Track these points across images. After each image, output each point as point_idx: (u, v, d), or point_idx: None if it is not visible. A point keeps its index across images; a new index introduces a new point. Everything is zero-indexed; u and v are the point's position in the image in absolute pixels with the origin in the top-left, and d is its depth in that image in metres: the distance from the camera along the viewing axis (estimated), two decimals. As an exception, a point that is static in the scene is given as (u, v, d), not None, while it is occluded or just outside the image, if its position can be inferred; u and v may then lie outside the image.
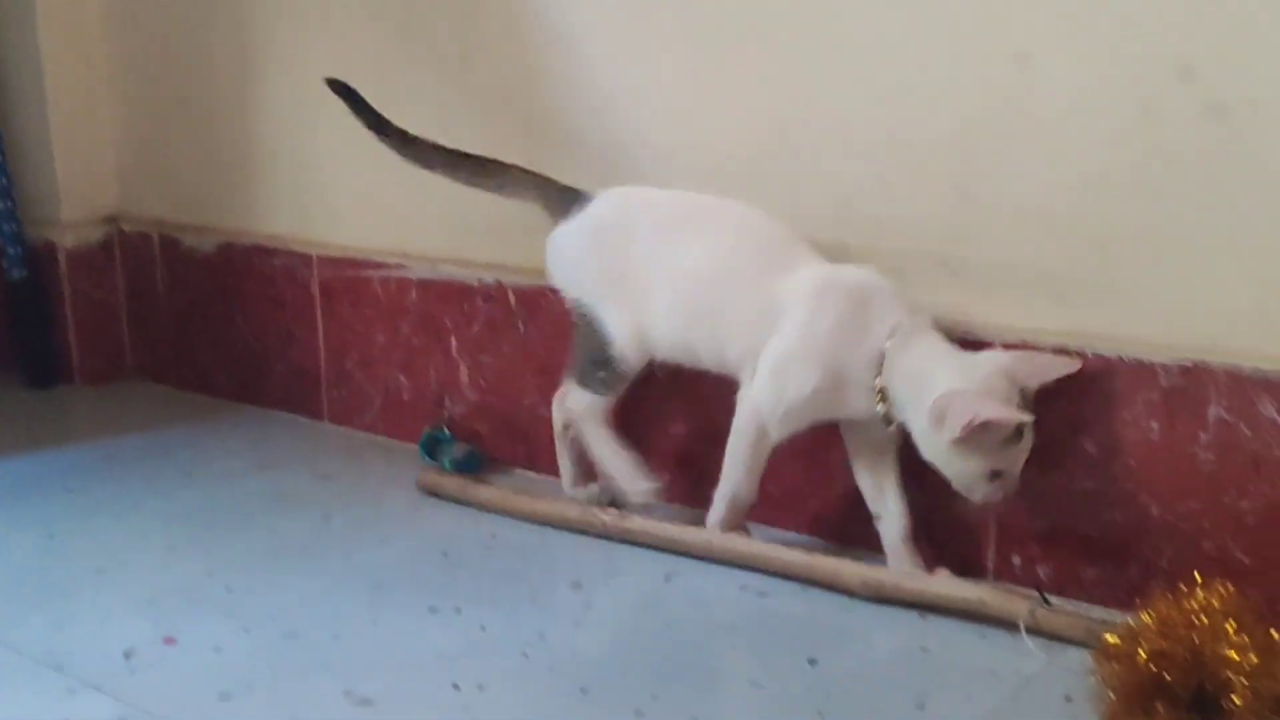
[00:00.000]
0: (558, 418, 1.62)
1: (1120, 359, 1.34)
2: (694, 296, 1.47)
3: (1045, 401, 1.32)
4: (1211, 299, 1.30)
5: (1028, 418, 1.28)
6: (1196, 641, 1.13)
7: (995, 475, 1.31)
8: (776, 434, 1.44)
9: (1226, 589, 1.17)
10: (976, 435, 1.28)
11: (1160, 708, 1.12)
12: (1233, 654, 1.11)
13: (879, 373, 1.36)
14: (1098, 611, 1.32)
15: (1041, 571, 1.40)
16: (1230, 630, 1.13)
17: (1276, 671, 1.12)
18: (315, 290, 1.99)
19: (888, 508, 1.44)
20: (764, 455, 1.45)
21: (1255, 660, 1.12)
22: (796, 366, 1.40)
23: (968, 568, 1.42)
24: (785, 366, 1.40)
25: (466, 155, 1.60)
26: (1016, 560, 1.43)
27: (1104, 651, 1.17)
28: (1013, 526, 1.42)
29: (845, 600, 1.39)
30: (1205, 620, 1.14)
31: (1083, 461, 1.36)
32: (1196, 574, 1.19)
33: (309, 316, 2.00)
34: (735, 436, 1.46)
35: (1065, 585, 1.39)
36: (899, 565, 1.43)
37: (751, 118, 1.56)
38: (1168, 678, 1.12)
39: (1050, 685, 1.21)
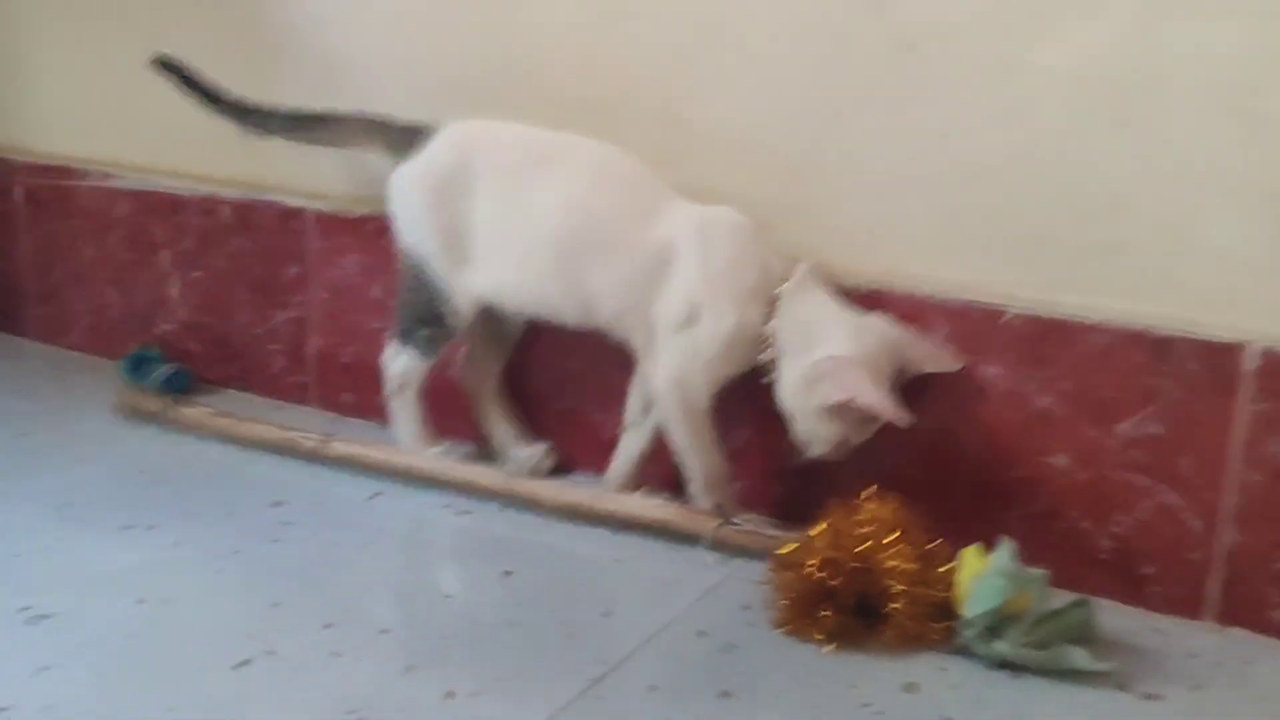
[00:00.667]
0: (390, 378, 1.51)
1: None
2: (551, 247, 1.37)
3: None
4: (894, 226, 1.35)
5: (905, 418, 1.24)
6: (861, 551, 1.19)
7: (843, 443, 1.30)
8: (704, 395, 1.34)
9: (895, 502, 1.23)
10: (846, 410, 1.26)
11: (826, 612, 1.17)
12: (893, 563, 1.17)
13: (770, 317, 1.31)
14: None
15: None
16: (891, 541, 1.19)
17: (933, 580, 1.19)
18: (19, 200, 1.89)
19: (645, 424, 1.43)
20: (705, 424, 1.35)
21: (914, 569, 1.18)
22: (707, 312, 1.31)
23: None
24: (694, 317, 1.32)
25: (304, 115, 1.51)
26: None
27: (777, 562, 1.22)
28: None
29: (544, 520, 1.40)
30: (871, 531, 1.20)
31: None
32: (868, 489, 1.26)
33: (11, 228, 1.90)
34: (668, 422, 1.36)
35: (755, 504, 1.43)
36: (623, 475, 1.44)
37: (473, 38, 1.54)
38: (834, 584, 1.17)
39: (730, 594, 1.26)
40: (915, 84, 1.33)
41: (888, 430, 1.27)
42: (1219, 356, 1.21)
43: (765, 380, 1.32)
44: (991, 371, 1.31)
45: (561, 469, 1.54)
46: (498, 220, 1.40)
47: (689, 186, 1.39)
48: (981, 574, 1.16)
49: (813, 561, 1.19)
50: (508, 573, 1.30)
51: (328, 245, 1.67)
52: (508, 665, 1.12)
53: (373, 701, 1.05)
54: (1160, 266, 1.25)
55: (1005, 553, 1.18)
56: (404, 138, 1.45)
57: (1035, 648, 1.14)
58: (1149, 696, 1.13)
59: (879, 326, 1.30)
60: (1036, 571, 1.17)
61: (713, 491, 1.38)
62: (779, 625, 1.19)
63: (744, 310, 1.31)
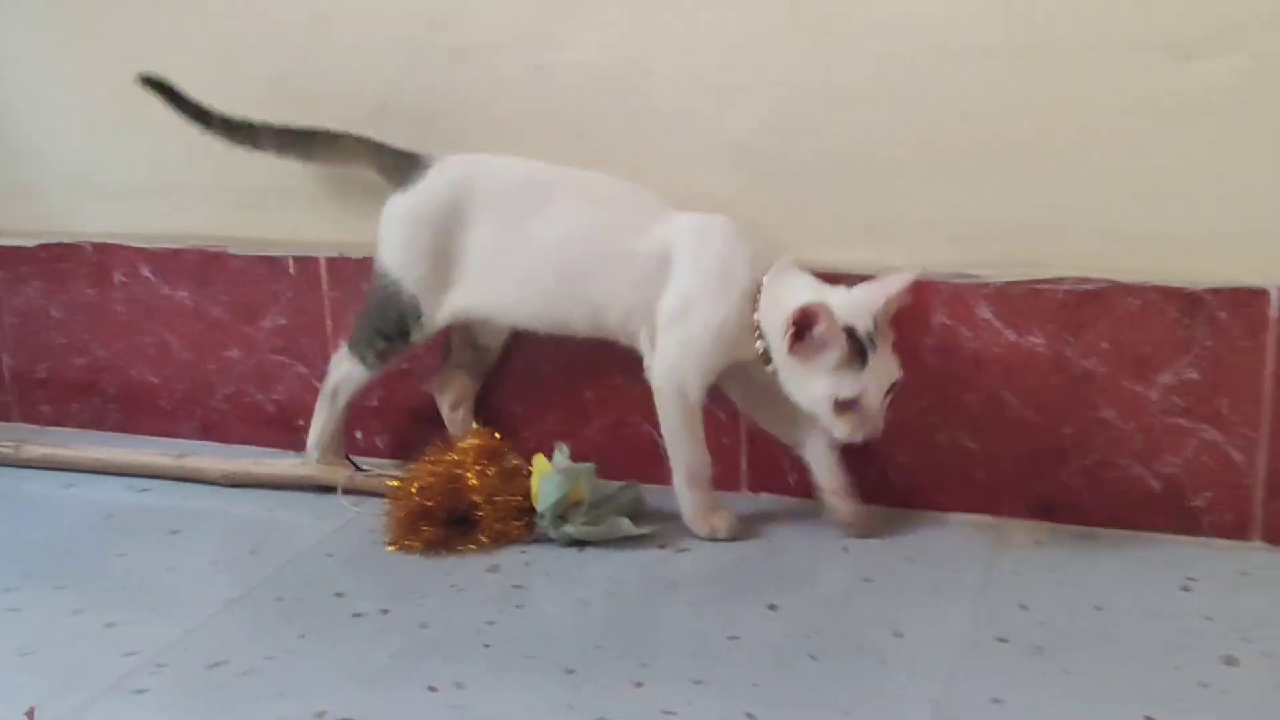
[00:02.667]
0: (329, 380, 1.60)
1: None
2: (558, 267, 1.45)
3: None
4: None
5: (826, 308, 1.30)
6: (453, 475, 1.47)
7: (844, 407, 1.33)
8: (696, 389, 1.41)
9: (485, 435, 1.52)
10: (808, 348, 1.32)
11: (426, 527, 1.45)
12: (473, 479, 1.46)
13: (756, 308, 1.38)
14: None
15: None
16: (474, 461, 1.47)
17: (513, 489, 1.48)
18: None
19: (801, 431, 1.46)
20: (697, 420, 1.43)
21: (495, 482, 1.47)
22: (698, 306, 1.39)
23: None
24: (687, 311, 1.39)
25: (296, 131, 1.56)
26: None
27: (390, 493, 1.50)
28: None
29: (214, 489, 1.65)
30: (460, 459, 1.49)
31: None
32: (473, 424, 1.55)
33: None
34: (663, 416, 1.43)
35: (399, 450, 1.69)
36: (832, 478, 1.46)
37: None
38: (429, 504, 1.45)
39: (359, 526, 1.52)
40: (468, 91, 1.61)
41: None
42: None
43: (770, 369, 1.39)
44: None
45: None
46: (494, 248, 1.47)
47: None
48: (544, 475, 1.46)
49: (412, 488, 1.47)
50: (174, 531, 1.54)
51: (9, 275, 1.88)
52: (163, 594, 1.37)
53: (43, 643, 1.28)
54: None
55: (561, 455, 1.48)
56: (398, 163, 1.52)
57: (593, 525, 1.45)
58: (681, 550, 1.44)
59: (846, 289, 1.35)
60: (585, 465, 1.47)
61: (695, 484, 1.45)
62: (390, 543, 1.46)
63: (733, 303, 1.38)
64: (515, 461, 1.51)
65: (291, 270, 1.72)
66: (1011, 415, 1.45)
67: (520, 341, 1.62)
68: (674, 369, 1.41)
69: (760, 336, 1.38)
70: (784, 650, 1.22)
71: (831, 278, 1.40)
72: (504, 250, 1.47)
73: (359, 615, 1.31)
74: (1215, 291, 1.35)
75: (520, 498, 1.47)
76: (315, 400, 1.62)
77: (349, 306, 1.66)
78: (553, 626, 1.29)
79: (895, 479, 1.51)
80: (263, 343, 1.76)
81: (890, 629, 1.26)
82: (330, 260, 1.70)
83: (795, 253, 1.43)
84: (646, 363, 1.44)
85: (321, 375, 1.62)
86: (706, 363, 1.41)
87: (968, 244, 1.44)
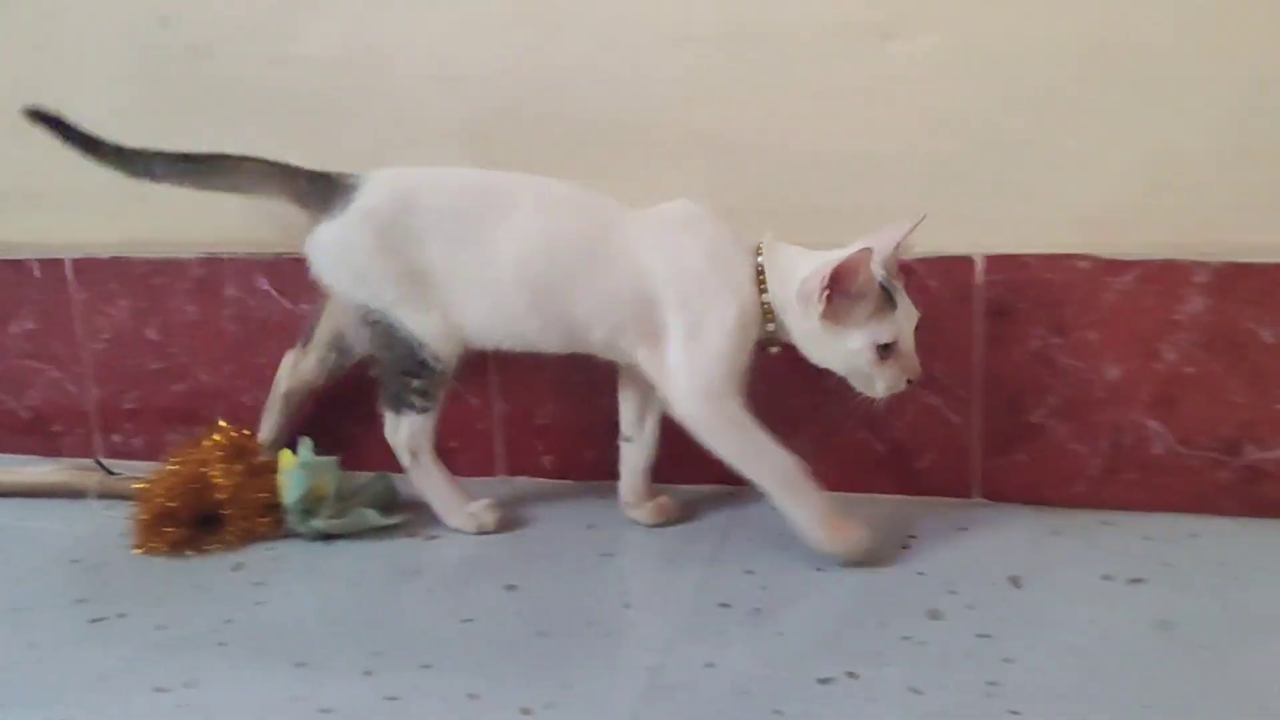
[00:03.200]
0: (402, 451, 1.45)
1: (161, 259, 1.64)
2: (524, 288, 1.35)
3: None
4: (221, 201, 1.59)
5: (870, 255, 1.24)
6: (197, 474, 1.46)
7: (885, 351, 1.27)
8: (734, 395, 1.31)
9: (237, 432, 1.51)
10: (841, 306, 1.26)
11: (170, 528, 1.44)
12: (219, 478, 1.45)
13: (763, 289, 1.31)
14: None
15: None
16: (217, 461, 1.47)
17: (258, 485, 1.48)
18: None
19: (643, 434, 1.45)
20: (748, 422, 1.31)
21: (242, 479, 1.47)
22: (708, 312, 1.30)
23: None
24: (699, 322, 1.30)
25: (194, 157, 1.42)
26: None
27: (137, 495, 1.48)
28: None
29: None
30: (206, 456, 1.48)
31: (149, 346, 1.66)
32: (220, 422, 1.54)
33: None
34: (714, 440, 1.32)
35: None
36: (634, 489, 1.46)
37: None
38: (173, 505, 1.44)
39: (111, 530, 1.50)
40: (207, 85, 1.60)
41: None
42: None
43: (773, 351, 1.34)
44: (304, 308, 1.61)
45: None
46: (458, 266, 1.36)
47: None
48: (287, 469, 1.46)
49: (157, 490, 1.46)
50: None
51: None
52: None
53: None
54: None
55: (304, 449, 1.48)
56: (314, 188, 1.39)
57: (339, 518, 1.45)
58: (430, 537, 1.46)
59: (846, 249, 1.27)
60: (329, 459, 1.47)
61: (798, 492, 1.31)
62: (135, 546, 1.45)
63: (741, 294, 1.30)
64: (263, 458, 1.51)
65: (37, 273, 1.68)
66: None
67: (265, 336, 1.62)
68: (703, 388, 1.30)
69: (771, 319, 1.31)
70: (516, 630, 1.25)
71: None
72: (461, 269, 1.36)
73: (97, 620, 1.30)
74: (924, 261, 1.41)
75: (267, 494, 1.47)
76: (70, 403, 1.59)
77: (98, 308, 1.63)
78: (290, 621, 1.29)
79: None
80: (11, 348, 1.72)
81: (621, 602, 1.29)
82: (76, 262, 1.67)
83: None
84: (657, 383, 1.34)
85: (76, 378, 1.60)
86: (734, 365, 1.31)
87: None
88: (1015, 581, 1.28)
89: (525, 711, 1.09)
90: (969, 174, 1.39)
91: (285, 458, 1.48)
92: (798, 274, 1.28)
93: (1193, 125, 1.32)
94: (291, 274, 1.59)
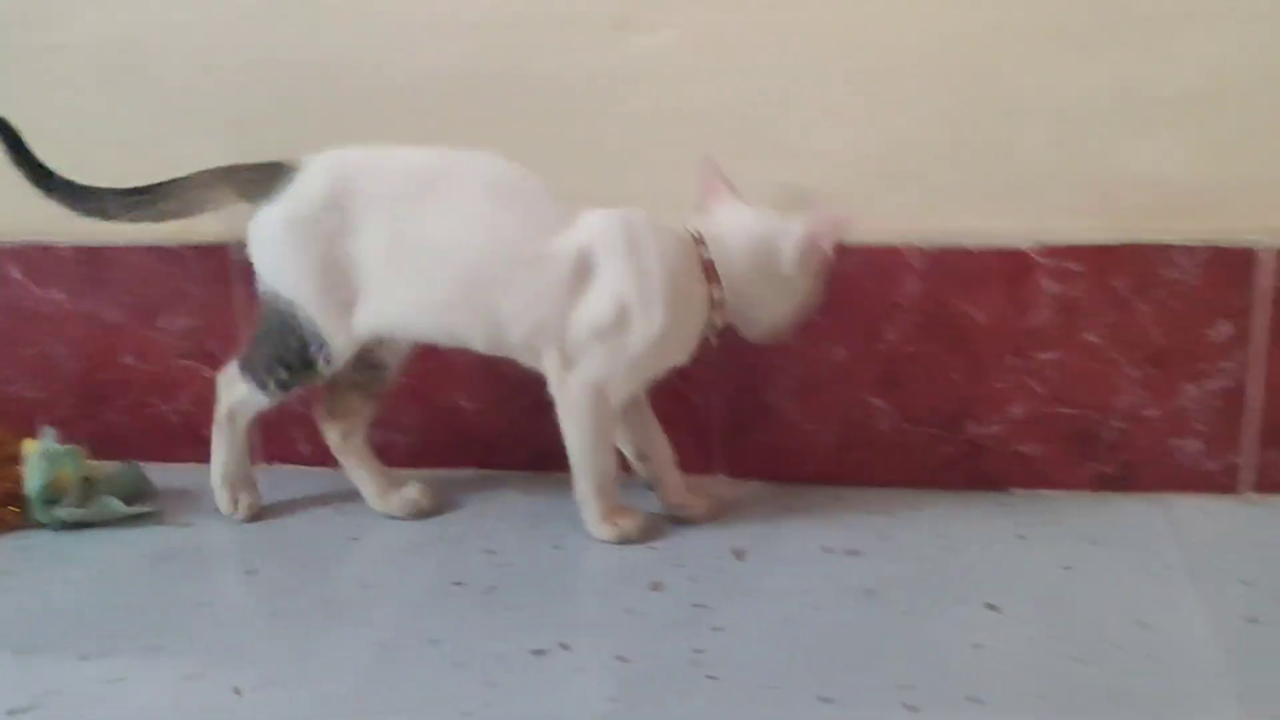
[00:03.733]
0: (223, 403, 1.42)
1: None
2: (456, 277, 1.30)
3: None
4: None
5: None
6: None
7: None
8: (621, 398, 1.32)
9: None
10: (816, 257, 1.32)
11: (-90, 518, 1.42)
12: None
13: (715, 281, 1.31)
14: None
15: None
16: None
17: (4, 476, 1.46)
18: None
19: (655, 444, 1.41)
20: (612, 426, 1.34)
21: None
22: (637, 316, 1.28)
23: None
24: (623, 321, 1.28)
25: (145, 189, 1.36)
26: None
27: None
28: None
29: None
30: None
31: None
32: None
33: None
34: (574, 424, 1.32)
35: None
36: (674, 494, 1.42)
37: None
38: (-90, 493, 1.43)
39: None
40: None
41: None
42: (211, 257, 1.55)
43: (714, 342, 1.35)
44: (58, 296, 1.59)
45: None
46: (388, 253, 1.31)
47: None
48: (29, 459, 1.44)
49: (-103, 478, 1.44)
50: None
51: None
52: None
53: None
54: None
55: (47, 437, 1.47)
56: (257, 178, 1.34)
57: (82, 507, 1.44)
58: (184, 525, 1.46)
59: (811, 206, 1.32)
60: (71, 448, 1.46)
61: (604, 496, 1.36)
62: (-125, 537, 1.43)
63: (675, 310, 1.29)
64: (10, 448, 1.49)
65: None
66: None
67: (26, 324, 1.59)
68: (602, 378, 1.30)
69: (720, 309, 1.32)
70: (250, 612, 1.26)
71: None
72: (395, 254, 1.30)
73: None
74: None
75: (11, 484, 1.46)
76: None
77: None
78: (25, 612, 1.28)
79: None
80: None
81: (360, 583, 1.31)
82: None
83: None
84: (554, 382, 1.31)
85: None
86: (641, 374, 1.32)
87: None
88: (739, 554, 1.33)
89: (236, 691, 1.11)
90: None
91: (27, 446, 1.46)
92: (770, 238, 1.30)
93: (910, 117, 1.38)
94: (39, 261, 1.58)
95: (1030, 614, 1.20)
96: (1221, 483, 1.40)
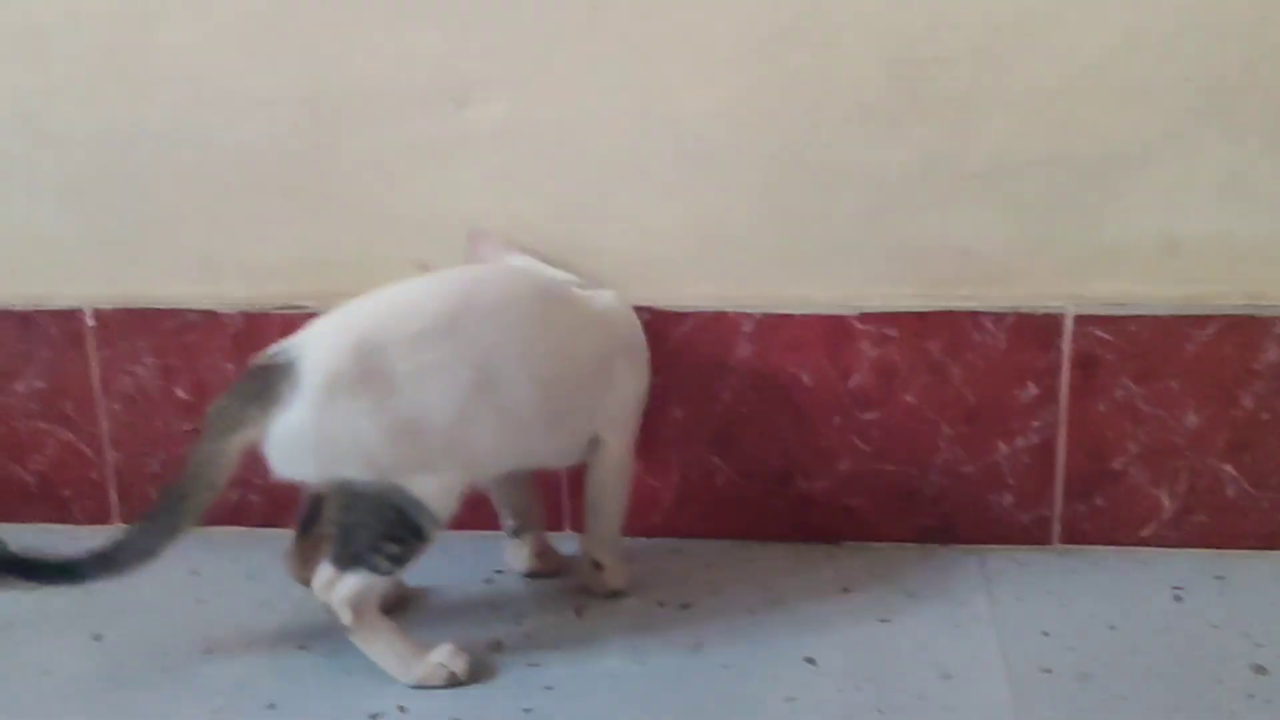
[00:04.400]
0: (340, 608, 1.24)
1: None
2: (536, 402, 1.26)
3: None
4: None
5: None
6: None
7: None
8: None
9: None
10: None
11: None
12: None
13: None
14: None
15: None
16: None
17: None
18: None
19: (531, 514, 1.46)
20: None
21: None
22: (642, 371, 1.40)
23: None
24: (626, 376, 1.37)
25: (170, 501, 1.23)
26: None
27: None
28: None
29: None
30: None
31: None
32: None
33: None
34: (621, 483, 1.39)
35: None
36: (542, 563, 1.46)
37: None
38: None
39: None
40: None
41: None
42: (67, 322, 1.57)
43: None
44: None
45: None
46: (459, 400, 1.21)
47: None
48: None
49: None
50: None
51: None
52: None
53: None
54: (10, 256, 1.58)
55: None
56: (255, 387, 1.20)
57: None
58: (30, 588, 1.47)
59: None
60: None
61: (616, 547, 1.41)
62: None
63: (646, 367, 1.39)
64: None
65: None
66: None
67: None
68: (632, 436, 1.38)
69: None
70: (90, 680, 1.28)
71: (174, 313, 1.54)
72: (467, 403, 1.21)
73: None
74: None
75: None
76: None
77: None
78: None
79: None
80: None
81: (203, 648, 1.34)
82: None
83: (135, 289, 1.54)
84: (599, 456, 1.35)
85: None
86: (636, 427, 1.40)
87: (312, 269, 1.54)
88: (579, 611, 1.39)
89: (73, 760, 1.14)
90: (545, 229, 1.49)
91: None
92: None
93: (734, 189, 1.45)
94: None
95: (844, 666, 1.26)
96: (1034, 534, 1.48)
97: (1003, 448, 1.46)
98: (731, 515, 1.52)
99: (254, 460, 1.51)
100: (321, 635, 1.34)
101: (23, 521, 1.61)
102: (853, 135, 1.42)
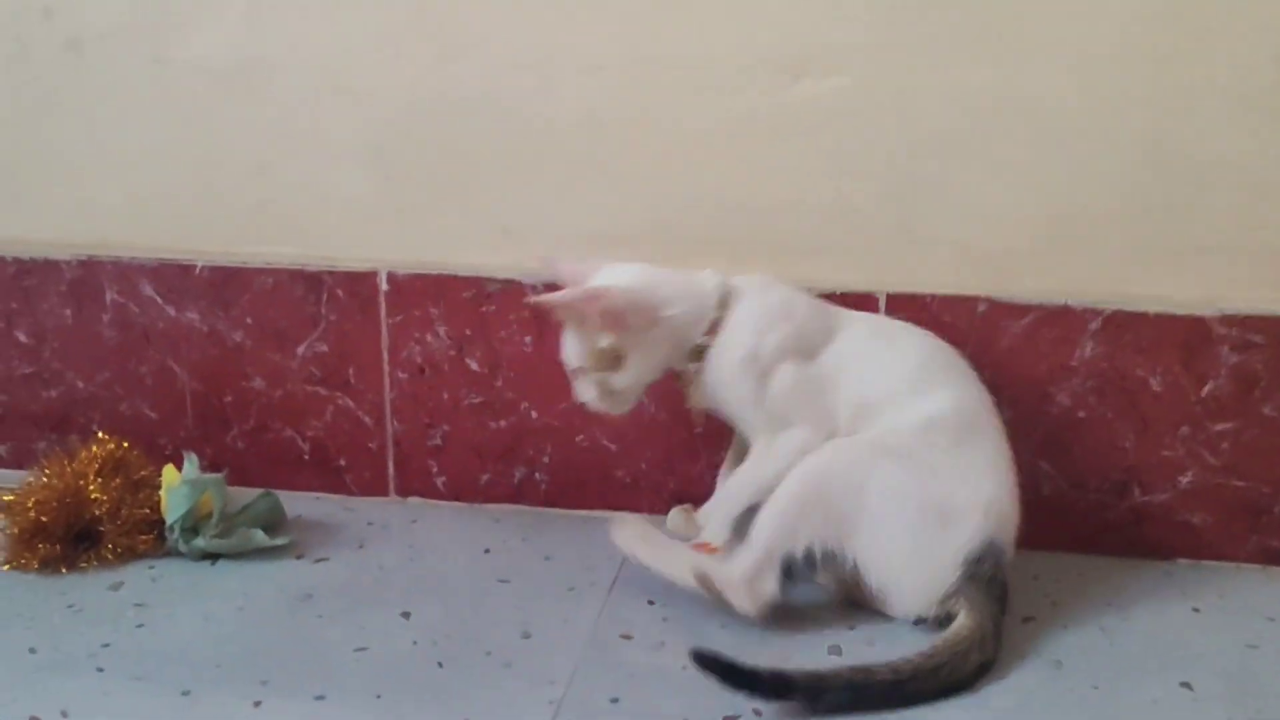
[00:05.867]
0: None
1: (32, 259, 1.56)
2: None
3: None
4: (98, 202, 1.55)
5: None
6: (73, 487, 1.39)
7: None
8: None
9: (116, 444, 1.45)
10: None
11: (42, 545, 1.37)
12: (96, 492, 1.39)
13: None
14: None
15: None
16: (94, 474, 1.40)
17: (141, 501, 1.42)
18: None
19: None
20: None
21: (121, 494, 1.40)
22: None
23: None
24: None
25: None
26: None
27: (6, 507, 1.41)
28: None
29: None
30: (83, 469, 1.41)
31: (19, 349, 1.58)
32: (99, 433, 1.47)
33: None
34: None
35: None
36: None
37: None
38: (45, 519, 1.37)
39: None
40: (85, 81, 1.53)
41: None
42: (359, 284, 1.51)
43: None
44: (190, 316, 1.55)
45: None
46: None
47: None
48: (172, 486, 1.40)
49: (28, 503, 1.39)
50: None
51: None
52: None
53: None
54: (303, 215, 1.53)
55: (189, 465, 1.42)
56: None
57: (224, 537, 1.40)
58: (319, 560, 1.42)
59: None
60: (214, 475, 1.42)
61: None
62: (4, 562, 1.38)
63: None
64: (143, 472, 1.45)
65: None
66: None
67: (148, 343, 1.55)
68: None
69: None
70: (412, 659, 1.22)
71: (472, 281, 1.46)
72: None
73: (-39, 644, 1.23)
74: (829, 297, 1.42)
75: (148, 510, 1.41)
76: None
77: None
78: (173, 646, 1.24)
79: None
80: None
81: (520, 631, 1.27)
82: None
83: (436, 255, 1.48)
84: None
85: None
86: None
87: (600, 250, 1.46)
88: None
89: (428, 749, 1.07)
90: (874, 214, 1.40)
91: (169, 473, 1.42)
92: None
93: (1089, 177, 1.36)
94: (175, 280, 1.54)
95: (1225, 694, 1.17)
96: (1386, 560, 1.38)
97: (1366, 467, 1.36)
98: (1057, 526, 1.42)
99: (537, 436, 1.46)
100: (644, 625, 1.27)
101: (295, 489, 1.55)
102: (1229, 127, 1.32)
